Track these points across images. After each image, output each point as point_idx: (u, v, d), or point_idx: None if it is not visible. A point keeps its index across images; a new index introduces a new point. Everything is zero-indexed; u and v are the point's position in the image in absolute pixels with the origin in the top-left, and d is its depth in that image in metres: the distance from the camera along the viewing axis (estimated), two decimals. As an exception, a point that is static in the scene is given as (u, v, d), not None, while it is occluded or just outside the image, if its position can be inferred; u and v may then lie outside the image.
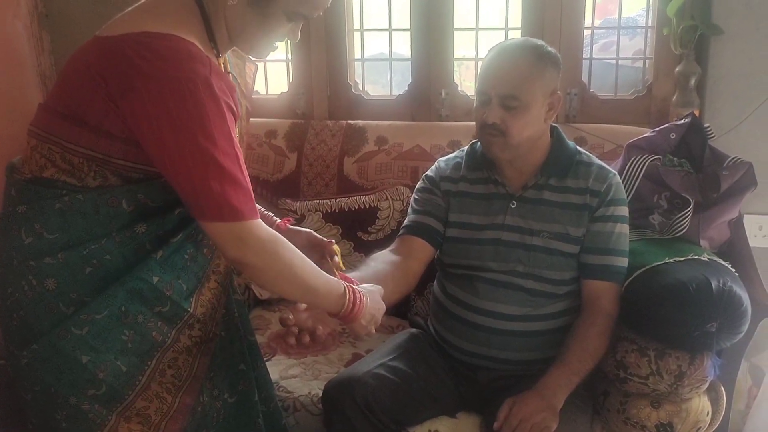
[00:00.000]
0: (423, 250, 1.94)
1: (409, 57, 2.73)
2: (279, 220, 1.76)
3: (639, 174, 2.08)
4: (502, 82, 1.79)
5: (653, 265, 1.84)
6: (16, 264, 1.38)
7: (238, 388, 1.61)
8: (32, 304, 1.37)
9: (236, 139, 1.35)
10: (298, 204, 2.48)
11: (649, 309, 1.76)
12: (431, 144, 2.55)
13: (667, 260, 1.85)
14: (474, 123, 1.91)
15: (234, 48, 1.52)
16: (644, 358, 1.75)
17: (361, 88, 2.81)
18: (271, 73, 2.92)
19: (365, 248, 2.31)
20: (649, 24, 2.61)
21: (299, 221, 2.43)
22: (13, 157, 1.50)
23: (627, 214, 1.91)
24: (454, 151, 2.09)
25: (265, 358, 2.11)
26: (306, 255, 1.66)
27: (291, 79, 2.83)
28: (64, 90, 1.40)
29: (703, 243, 2.05)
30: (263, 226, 1.37)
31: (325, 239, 1.76)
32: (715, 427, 1.88)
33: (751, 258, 2.09)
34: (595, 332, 1.81)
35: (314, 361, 2.16)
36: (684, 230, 2.01)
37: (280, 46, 1.52)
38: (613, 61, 2.71)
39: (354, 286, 1.53)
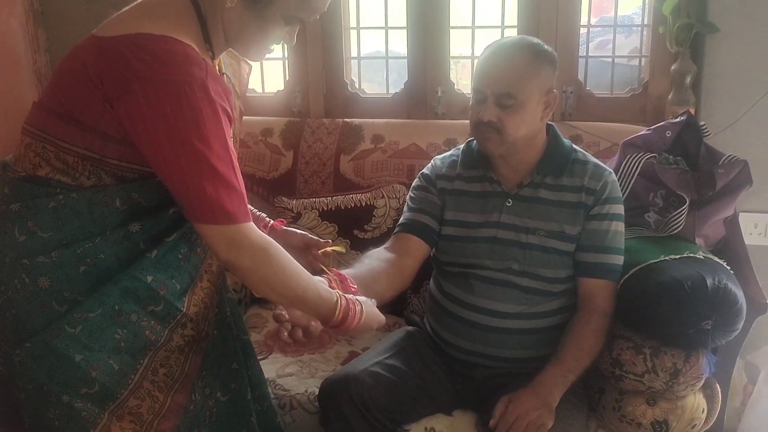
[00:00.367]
0: (418, 248, 1.94)
1: (406, 55, 2.73)
2: (272, 221, 1.75)
3: (635, 172, 2.08)
4: (498, 80, 1.79)
5: (649, 263, 1.85)
6: (9, 262, 1.38)
7: (230, 386, 1.61)
8: (25, 302, 1.37)
9: (231, 143, 1.35)
10: (294, 202, 2.48)
11: (645, 307, 1.76)
12: (427, 142, 2.55)
13: (662, 258, 1.85)
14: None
15: (229, 49, 1.52)
16: (640, 355, 1.75)
17: (357, 86, 2.81)
18: (267, 71, 2.92)
19: (361, 246, 2.31)
20: (645, 22, 2.61)
21: (295, 219, 2.43)
22: (9, 155, 1.50)
23: (622, 212, 1.91)
24: (450, 149, 2.10)
25: (261, 356, 2.13)
26: (301, 256, 1.67)
27: (287, 77, 2.83)
28: (59, 89, 1.40)
29: (699, 241, 2.05)
30: (256, 230, 1.37)
31: (321, 240, 1.75)
32: (711, 424, 1.88)
33: (747, 256, 2.10)
34: (590, 330, 1.81)
35: (311, 359, 2.16)
36: (679, 228, 2.02)
37: (277, 44, 1.52)
38: (609, 59, 2.72)
39: (347, 296, 1.51)
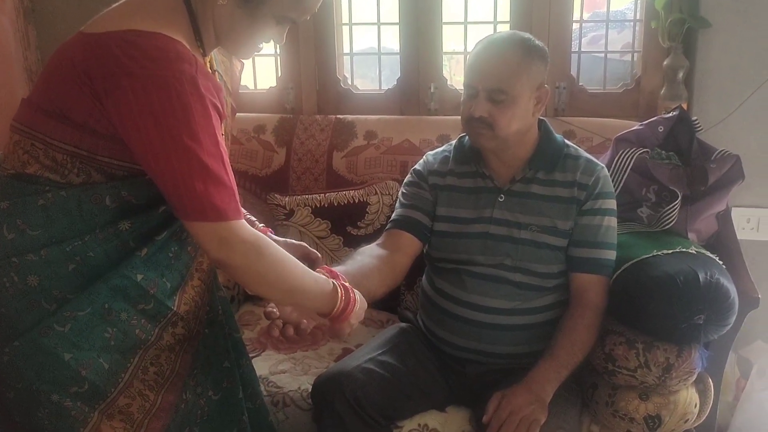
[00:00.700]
0: (410, 245, 1.93)
1: (398, 51, 2.72)
2: (262, 225, 1.75)
3: (627, 167, 2.08)
4: (489, 75, 1.79)
5: (641, 258, 1.85)
6: None
7: (222, 385, 1.60)
8: (14, 300, 1.36)
9: (221, 140, 1.35)
10: (287, 199, 2.48)
11: (637, 302, 1.76)
12: (420, 138, 2.54)
13: (655, 253, 1.85)
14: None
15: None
16: (632, 350, 1.75)
17: (350, 82, 2.81)
18: (259, 67, 2.91)
19: (354, 243, 2.31)
20: (638, 17, 2.61)
21: (288, 216, 2.43)
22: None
23: (615, 207, 1.91)
24: (443, 145, 2.09)
25: (254, 354, 2.13)
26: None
27: (279, 74, 2.82)
28: (48, 86, 1.39)
29: (691, 236, 2.06)
30: (246, 227, 1.36)
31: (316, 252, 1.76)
32: (703, 418, 1.89)
33: (739, 250, 2.10)
34: (583, 325, 1.81)
35: (304, 356, 2.16)
36: (672, 223, 2.02)
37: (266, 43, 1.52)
38: (602, 55, 2.71)
39: (345, 283, 1.51)
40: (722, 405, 2.26)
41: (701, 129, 2.15)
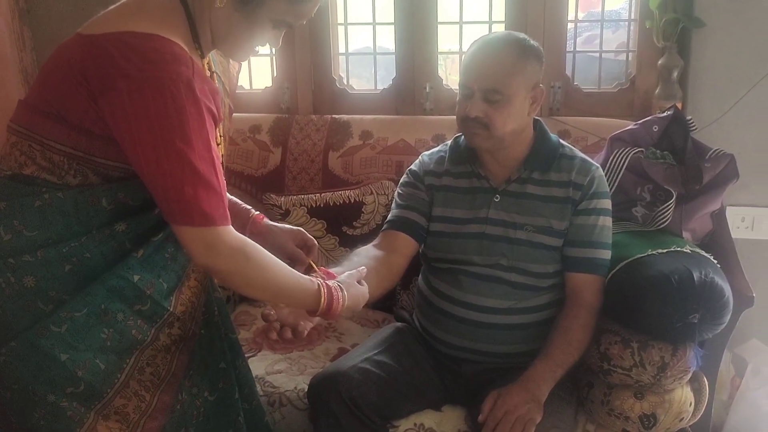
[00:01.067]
0: (406, 245, 1.94)
1: (394, 51, 2.73)
2: (257, 213, 1.75)
3: (622, 167, 2.09)
4: (485, 75, 1.80)
5: (636, 257, 1.85)
6: None
7: (218, 386, 1.60)
8: (10, 301, 1.36)
9: (214, 145, 1.35)
10: (282, 199, 2.48)
11: (632, 301, 1.77)
12: (416, 138, 2.55)
13: (649, 252, 1.86)
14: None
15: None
16: (627, 349, 1.76)
17: (345, 82, 2.81)
18: (255, 67, 2.91)
19: (350, 243, 2.31)
20: (632, 17, 2.62)
21: (284, 216, 2.43)
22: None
23: (610, 207, 1.92)
24: (438, 145, 2.10)
25: (251, 354, 2.13)
26: (292, 251, 1.67)
27: (275, 74, 2.82)
28: (45, 87, 1.39)
29: (686, 235, 2.06)
30: (233, 233, 1.36)
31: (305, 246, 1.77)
32: (698, 417, 1.89)
33: (733, 249, 2.11)
34: (578, 325, 1.82)
35: (300, 356, 2.16)
36: (667, 222, 2.02)
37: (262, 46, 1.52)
38: (597, 54, 2.72)
39: (328, 282, 1.52)
40: (717, 403, 2.27)
41: (696, 128, 2.15)
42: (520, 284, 1.88)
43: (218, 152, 1.37)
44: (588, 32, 2.88)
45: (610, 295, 1.85)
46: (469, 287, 1.89)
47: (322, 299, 1.47)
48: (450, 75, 2.97)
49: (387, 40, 2.82)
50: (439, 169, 1.99)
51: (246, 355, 1.84)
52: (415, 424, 1.86)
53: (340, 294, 1.50)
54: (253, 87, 2.91)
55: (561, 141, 1.97)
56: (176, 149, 1.27)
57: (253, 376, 1.79)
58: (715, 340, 1.86)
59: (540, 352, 1.80)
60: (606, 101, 2.60)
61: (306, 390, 1.87)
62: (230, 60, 1.67)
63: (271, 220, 1.81)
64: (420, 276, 2.06)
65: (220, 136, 1.50)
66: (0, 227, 1.36)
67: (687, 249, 1.89)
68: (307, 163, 2.60)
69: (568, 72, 2.62)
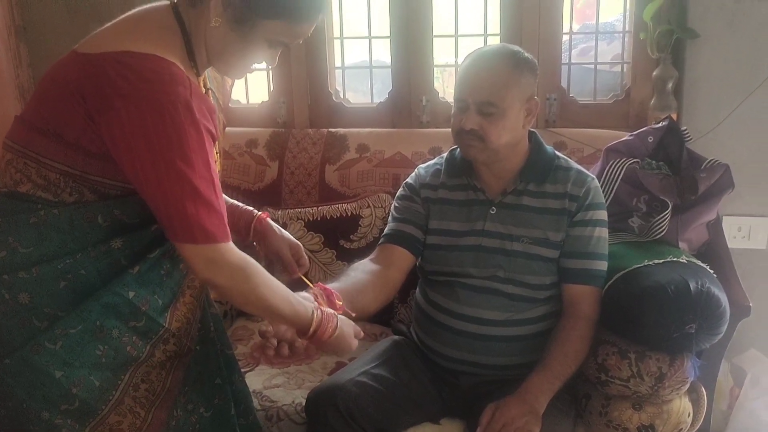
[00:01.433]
0: (403, 259, 1.94)
1: (390, 64, 2.74)
2: (259, 213, 1.76)
3: (617, 177, 2.09)
4: (479, 88, 1.80)
5: (632, 268, 1.85)
6: None
7: (213, 402, 1.60)
8: (5, 318, 1.36)
9: (213, 164, 1.36)
10: (279, 213, 2.48)
11: (629, 311, 1.77)
12: (412, 151, 2.55)
13: (646, 263, 1.86)
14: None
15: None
16: (625, 360, 1.76)
17: (341, 95, 2.82)
18: (251, 82, 2.91)
19: (348, 256, 2.31)
20: (626, 29, 2.63)
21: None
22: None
23: (606, 218, 1.92)
24: (435, 158, 2.10)
25: (248, 368, 2.12)
26: (286, 257, 1.68)
27: (271, 88, 2.82)
28: (41, 105, 1.39)
29: (682, 245, 2.06)
30: (235, 250, 1.38)
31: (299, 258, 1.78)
32: (697, 427, 1.89)
33: (730, 259, 2.11)
34: (576, 336, 1.82)
35: (297, 370, 2.16)
36: (663, 233, 2.02)
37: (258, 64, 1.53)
38: (592, 66, 2.73)
39: (326, 310, 1.51)
40: (716, 413, 2.26)
41: (691, 139, 2.16)
42: (517, 296, 1.88)
43: (216, 170, 1.38)
44: (583, 44, 2.89)
45: (607, 306, 1.85)
46: (466, 299, 1.89)
47: (312, 324, 1.47)
48: (447, 88, 2.98)
49: (383, 53, 2.84)
50: (435, 181, 2.00)
51: (243, 370, 1.84)
52: (413, 438, 1.86)
53: (333, 323, 1.50)
54: (250, 101, 2.91)
55: (556, 152, 1.97)
56: (177, 169, 1.28)
57: (251, 390, 1.79)
58: (713, 350, 1.86)
59: (537, 364, 1.80)
60: (601, 113, 2.61)
61: (303, 404, 1.86)
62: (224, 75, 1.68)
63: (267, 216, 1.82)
64: (417, 289, 2.06)
65: (217, 153, 1.50)
66: None
67: (683, 259, 1.89)
68: (304, 177, 2.61)
69: (564, 84, 2.63)
